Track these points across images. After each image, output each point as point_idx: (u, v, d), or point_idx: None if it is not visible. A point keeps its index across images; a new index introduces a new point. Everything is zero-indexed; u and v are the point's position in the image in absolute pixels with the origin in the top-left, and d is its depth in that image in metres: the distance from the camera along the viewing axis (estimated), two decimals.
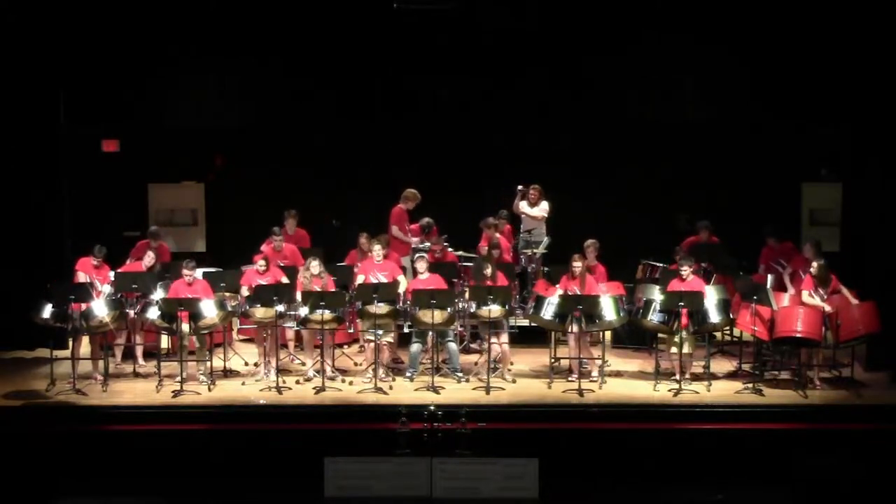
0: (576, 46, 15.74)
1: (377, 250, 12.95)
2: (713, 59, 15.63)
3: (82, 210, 14.90)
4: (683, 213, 14.90)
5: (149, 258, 13.25)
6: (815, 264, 12.50)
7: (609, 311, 12.56)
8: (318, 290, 12.52)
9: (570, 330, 12.61)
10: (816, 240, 13.38)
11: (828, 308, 12.32)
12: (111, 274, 13.12)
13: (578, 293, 12.65)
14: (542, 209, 14.86)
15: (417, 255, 13.07)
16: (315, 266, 12.71)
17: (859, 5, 13.63)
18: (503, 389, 12.42)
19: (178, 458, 11.37)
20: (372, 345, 12.54)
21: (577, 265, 12.76)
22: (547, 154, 16.16)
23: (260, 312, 12.54)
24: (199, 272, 13.04)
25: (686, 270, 12.60)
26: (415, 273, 13.21)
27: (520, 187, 14.86)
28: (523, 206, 14.88)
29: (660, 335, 13.02)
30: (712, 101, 15.98)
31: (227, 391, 12.50)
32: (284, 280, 12.85)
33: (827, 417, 11.82)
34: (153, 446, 11.48)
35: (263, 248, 13.62)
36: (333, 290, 12.68)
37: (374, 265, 12.92)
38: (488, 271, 12.69)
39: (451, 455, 11.18)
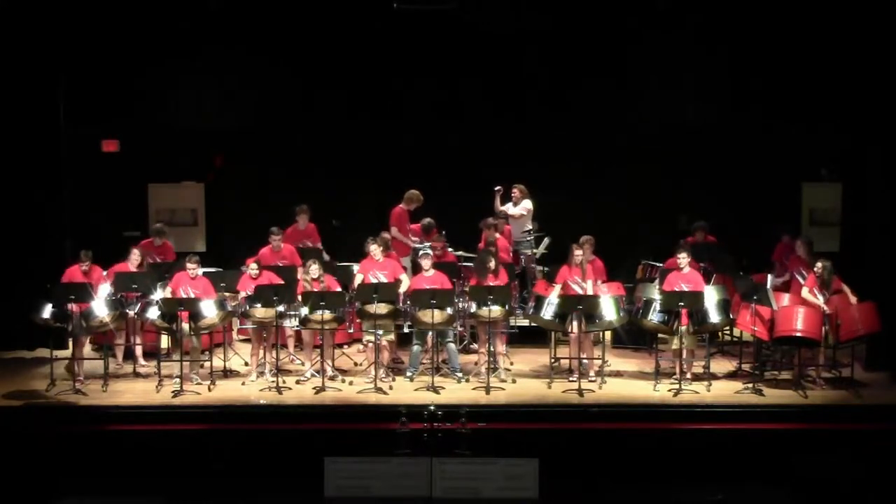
0: (576, 46, 15.75)
1: (374, 249, 12.91)
2: (713, 59, 15.63)
3: (82, 210, 14.90)
4: (683, 213, 14.90)
5: (135, 257, 13.19)
6: (820, 264, 12.49)
7: (609, 311, 12.56)
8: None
9: (570, 330, 12.61)
10: (809, 239, 13.40)
11: (826, 309, 12.32)
12: (104, 274, 13.11)
13: (579, 281, 12.68)
14: (523, 208, 14.87)
15: (422, 252, 13.05)
16: (314, 270, 12.71)
17: (859, 6, 13.62)
18: (503, 389, 12.42)
19: (178, 458, 11.37)
20: (372, 345, 12.54)
21: (579, 254, 12.78)
22: (547, 154, 16.16)
23: (260, 312, 12.54)
24: (199, 271, 13.05)
25: (683, 260, 12.61)
26: (415, 273, 13.22)
27: (497, 188, 14.89)
28: (508, 206, 14.92)
29: (660, 335, 13.02)
30: (712, 102, 15.98)
31: (227, 391, 12.50)
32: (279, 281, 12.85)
33: (827, 417, 11.82)
34: (153, 446, 11.48)
35: (262, 251, 13.58)
36: (334, 290, 12.69)
37: (374, 264, 12.90)
38: (492, 264, 12.69)
39: (451, 455, 11.18)
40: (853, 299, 12.45)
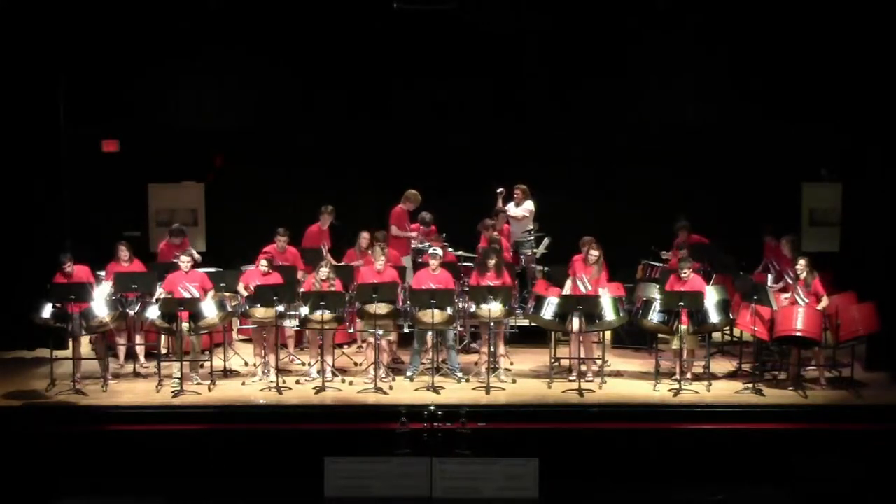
0: (576, 46, 15.75)
1: (379, 256, 12.86)
2: (713, 59, 15.63)
3: (82, 210, 14.90)
4: (683, 212, 14.89)
5: (123, 253, 13.17)
6: (801, 263, 12.46)
7: (609, 311, 12.56)
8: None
9: (570, 329, 12.61)
10: (793, 237, 13.40)
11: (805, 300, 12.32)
12: (101, 274, 13.10)
13: (585, 280, 12.69)
14: (525, 209, 14.89)
15: (432, 250, 13.02)
16: (324, 272, 12.69)
17: (858, 5, 13.62)
18: (503, 389, 12.42)
19: (178, 458, 11.38)
20: (372, 345, 12.53)
21: (595, 254, 12.76)
22: (547, 154, 16.16)
23: (260, 312, 12.54)
24: (199, 271, 13.06)
25: (686, 272, 12.60)
26: (415, 272, 13.20)
27: (499, 189, 14.89)
28: (510, 207, 14.92)
29: (660, 335, 13.02)
30: (712, 101, 15.97)
31: (227, 391, 12.50)
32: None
33: (827, 417, 11.82)
34: (153, 446, 11.49)
35: (268, 248, 13.58)
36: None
37: (373, 273, 12.87)
38: (492, 262, 12.67)
39: (451, 455, 11.18)
40: (824, 303, 12.40)
